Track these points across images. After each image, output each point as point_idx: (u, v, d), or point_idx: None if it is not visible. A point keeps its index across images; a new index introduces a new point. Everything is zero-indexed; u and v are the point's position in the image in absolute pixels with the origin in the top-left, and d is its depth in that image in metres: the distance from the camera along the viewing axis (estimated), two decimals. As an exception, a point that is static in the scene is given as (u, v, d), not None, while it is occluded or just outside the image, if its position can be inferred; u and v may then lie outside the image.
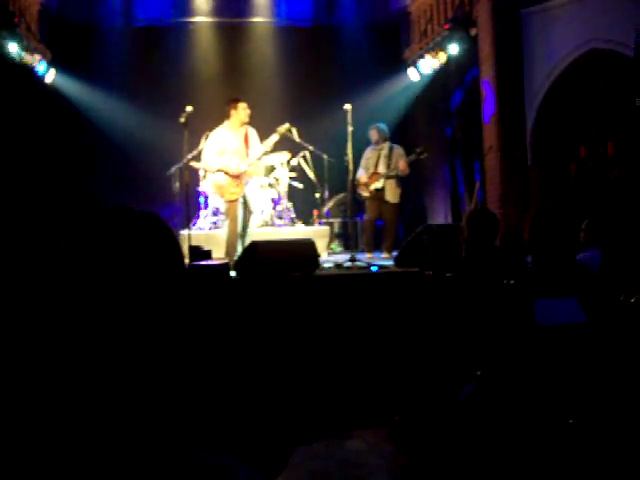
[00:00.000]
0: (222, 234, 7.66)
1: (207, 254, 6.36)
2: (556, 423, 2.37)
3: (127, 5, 9.72)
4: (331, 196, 9.10)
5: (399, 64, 9.77)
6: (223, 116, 7.17)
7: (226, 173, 6.98)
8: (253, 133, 7.22)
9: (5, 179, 7.46)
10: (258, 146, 7.13)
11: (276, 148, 8.67)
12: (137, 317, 1.05)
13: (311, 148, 8.63)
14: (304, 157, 8.77)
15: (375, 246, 8.06)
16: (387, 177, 7.78)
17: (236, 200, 7.02)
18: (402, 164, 7.70)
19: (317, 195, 8.97)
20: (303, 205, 9.10)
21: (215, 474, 0.82)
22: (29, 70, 7.94)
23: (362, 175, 7.92)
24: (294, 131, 8.49)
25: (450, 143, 8.88)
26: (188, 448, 0.88)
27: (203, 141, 7.54)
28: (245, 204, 7.12)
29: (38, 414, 0.94)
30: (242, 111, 7.10)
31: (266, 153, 7.33)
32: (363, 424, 4.52)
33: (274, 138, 7.14)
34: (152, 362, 1.05)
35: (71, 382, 0.99)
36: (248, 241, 6.78)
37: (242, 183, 7.01)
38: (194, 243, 6.79)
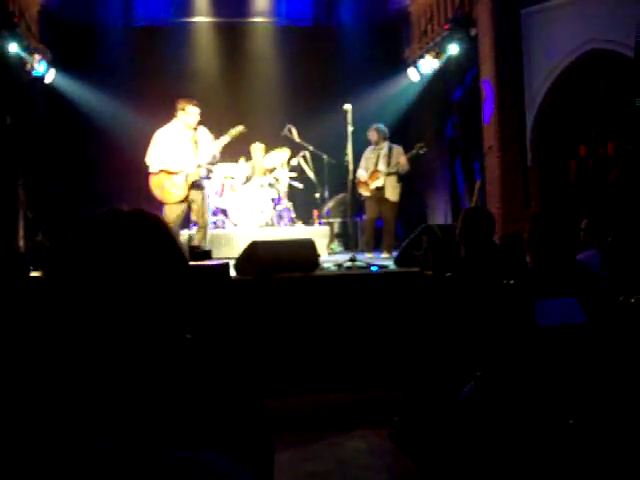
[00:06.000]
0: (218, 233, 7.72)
1: (207, 254, 6.37)
2: (556, 423, 2.37)
3: (127, 5, 9.72)
4: (331, 196, 9.10)
5: (399, 64, 9.77)
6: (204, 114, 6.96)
7: (169, 173, 6.64)
8: (203, 133, 6.85)
9: (5, 179, 7.46)
10: (208, 147, 6.78)
11: (276, 147, 8.68)
12: (140, 317, 1.05)
13: (311, 148, 8.63)
14: (304, 157, 8.77)
15: (375, 246, 8.06)
16: (387, 174, 7.78)
17: (176, 202, 6.66)
18: (402, 160, 7.73)
19: (317, 195, 8.96)
20: (303, 205, 9.10)
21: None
22: (28, 70, 7.93)
23: (362, 175, 7.93)
24: (294, 131, 8.49)
25: (450, 143, 8.88)
26: (180, 446, 0.88)
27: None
28: (195, 207, 6.80)
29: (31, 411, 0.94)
30: (191, 115, 6.69)
31: (214, 157, 6.94)
32: (363, 424, 4.52)
33: (224, 140, 6.84)
34: (153, 359, 1.05)
35: (64, 381, 0.99)
36: (209, 245, 6.73)
37: (186, 185, 6.65)
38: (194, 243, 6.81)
